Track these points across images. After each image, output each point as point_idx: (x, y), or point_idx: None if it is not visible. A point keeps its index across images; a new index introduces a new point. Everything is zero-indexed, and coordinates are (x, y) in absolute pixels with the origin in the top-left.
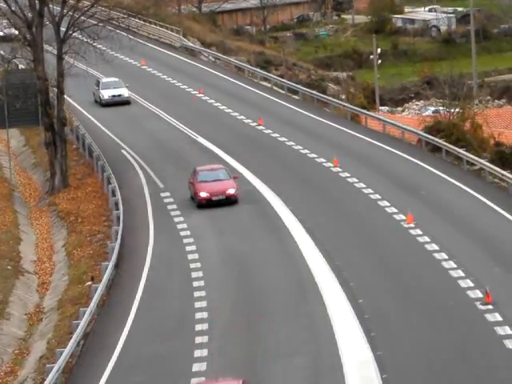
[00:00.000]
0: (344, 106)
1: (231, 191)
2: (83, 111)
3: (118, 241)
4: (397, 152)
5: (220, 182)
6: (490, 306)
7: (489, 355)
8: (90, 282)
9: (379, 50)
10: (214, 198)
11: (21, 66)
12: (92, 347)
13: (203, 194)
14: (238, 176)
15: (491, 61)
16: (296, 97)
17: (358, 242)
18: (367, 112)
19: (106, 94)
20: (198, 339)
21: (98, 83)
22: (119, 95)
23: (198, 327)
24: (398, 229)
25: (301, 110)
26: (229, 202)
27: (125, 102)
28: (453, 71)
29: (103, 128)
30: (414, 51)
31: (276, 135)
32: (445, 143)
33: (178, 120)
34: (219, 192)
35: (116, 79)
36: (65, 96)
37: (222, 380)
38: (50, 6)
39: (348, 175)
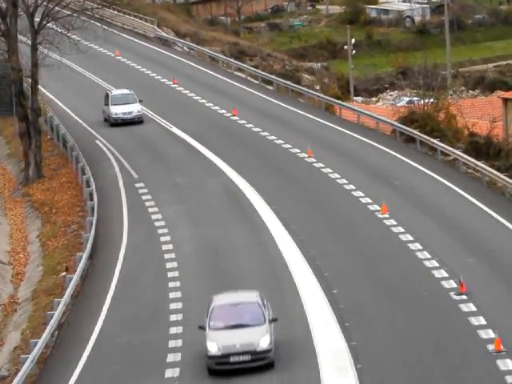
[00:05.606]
0: (318, 96)
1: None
2: (57, 101)
3: (93, 231)
4: (371, 142)
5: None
6: (464, 296)
7: (463, 345)
8: (64, 273)
9: (353, 41)
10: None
11: None
12: (66, 338)
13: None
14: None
15: (465, 51)
16: (270, 87)
17: (332, 232)
18: (341, 102)
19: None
20: (173, 329)
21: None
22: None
23: (173, 317)
24: (372, 219)
25: (275, 101)
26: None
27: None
28: (427, 61)
29: (77, 118)
30: (388, 42)
31: (250, 125)
32: (419, 133)
33: (152, 110)
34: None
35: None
36: (39, 86)
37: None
38: None
39: (322, 165)
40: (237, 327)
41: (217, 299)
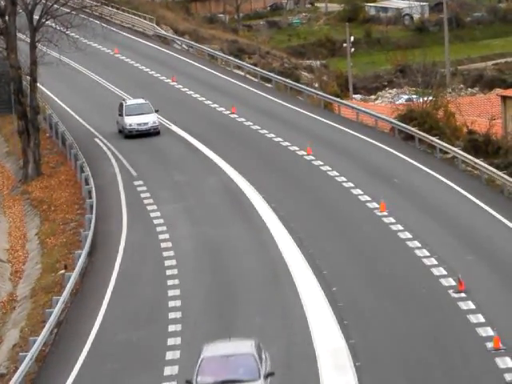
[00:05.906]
0: (317, 94)
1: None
2: (56, 99)
3: (91, 229)
4: (370, 140)
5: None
6: (463, 294)
7: (462, 343)
8: (63, 271)
9: (352, 39)
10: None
11: None
12: (65, 336)
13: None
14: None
15: (464, 49)
16: (269, 85)
17: (331, 230)
18: (340, 100)
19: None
20: (172, 327)
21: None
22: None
23: (172, 315)
24: (371, 217)
25: (274, 99)
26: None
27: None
28: (426, 59)
29: (76, 116)
30: (387, 39)
31: (249, 123)
32: (418, 131)
33: None
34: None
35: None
36: (38, 84)
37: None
38: None
39: (321, 163)
40: (228, 383)
41: (207, 350)
